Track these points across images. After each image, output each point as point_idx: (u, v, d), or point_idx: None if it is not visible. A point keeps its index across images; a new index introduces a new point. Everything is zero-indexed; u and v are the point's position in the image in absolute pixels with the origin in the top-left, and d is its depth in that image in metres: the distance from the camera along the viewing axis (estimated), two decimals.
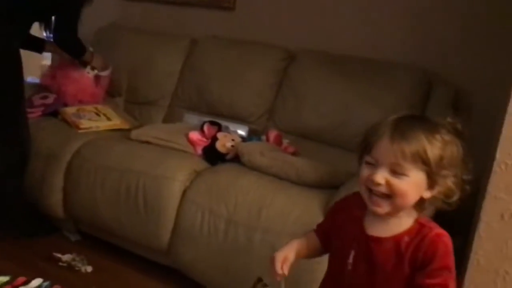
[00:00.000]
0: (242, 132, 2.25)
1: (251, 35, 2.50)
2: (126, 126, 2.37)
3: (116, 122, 2.40)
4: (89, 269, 1.99)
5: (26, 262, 1.95)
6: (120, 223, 2.00)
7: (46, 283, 1.52)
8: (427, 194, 0.94)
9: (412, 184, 0.91)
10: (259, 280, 1.07)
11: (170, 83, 2.55)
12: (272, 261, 1.05)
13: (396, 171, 0.91)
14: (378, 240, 0.97)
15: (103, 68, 2.49)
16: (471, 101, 2.14)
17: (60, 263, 1.99)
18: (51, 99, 2.43)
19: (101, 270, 1.99)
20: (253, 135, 2.24)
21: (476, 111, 2.12)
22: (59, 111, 2.37)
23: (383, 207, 0.94)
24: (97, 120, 2.36)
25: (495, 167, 1.25)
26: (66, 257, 2.02)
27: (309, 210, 1.72)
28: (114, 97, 2.62)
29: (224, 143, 2.08)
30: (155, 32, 2.71)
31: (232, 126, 2.25)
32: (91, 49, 2.49)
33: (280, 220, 1.71)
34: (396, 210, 0.94)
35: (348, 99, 2.14)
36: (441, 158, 0.90)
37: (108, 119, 2.40)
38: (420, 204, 0.95)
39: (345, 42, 2.34)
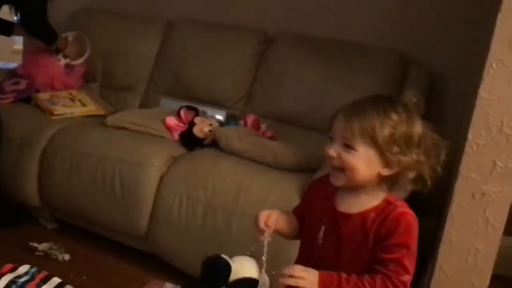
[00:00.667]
0: (219, 116, 2.23)
1: (228, 18, 2.47)
2: (101, 112, 2.33)
3: (91, 108, 2.35)
4: (67, 257, 1.97)
5: (2, 252, 1.92)
6: (97, 210, 1.98)
7: (33, 269, 1.51)
8: (385, 172, 0.96)
9: (362, 159, 0.94)
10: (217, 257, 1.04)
11: (146, 68, 2.51)
12: (255, 220, 1.05)
13: (347, 146, 0.95)
14: (346, 216, 1.00)
15: (76, 57, 2.42)
16: (447, 84, 2.17)
17: (37, 252, 1.97)
18: (23, 84, 2.37)
19: (79, 258, 1.98)
20: (230, 119, 2.23)
21: (451, 94, 2.15)
22: (32, 97, 2.32)
23: (339, 180, 0.98)
24: (72, 106, 2.32)
25: (467, 148, 1.28)
26: (43, 246, 1.99)
27: (287, 193, 1.74)
28: (89, 82, 2.56)
29: (201, 128, 2.07)
30: (130, 16, 2.65)
31: (209, 111, 2.23)
32: (70, 37, 2.41)
33: (258, 204, 1.71)
34: (351, 183, 0.97)
35: (325, 82, 2.14)
36: (391, 136, 0.92)
37: (83, 105, 2.35)
38: (386, 182, 0.97)
39: (323, 25, 2.33)
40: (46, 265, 1.89)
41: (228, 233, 1.73)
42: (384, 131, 0.92)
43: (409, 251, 0.95)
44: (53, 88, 2.35)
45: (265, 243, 1.02)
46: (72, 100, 2.35)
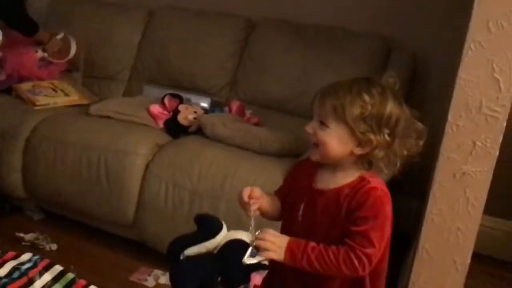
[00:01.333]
0: (204, 104, 2.23)
1: (209, 4, 2.45)
2: (85, 102, 2.31)
3: (75, 97, 2.33)
4: (54, 247, 1.97)
5: None
6: (83, 199, 1.97)
7: (36, 257, 1.52)
8: (357, 151, 0.99)
9: (333, 136, 0.98)
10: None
11: (128, 56, 2.48)
12: (239, 196, 1.06)
13: (322, 123, 0.99)
14: (322, 192, 1.03)
15: (56, 54, 2.36)
16: (429, 67, 2.19)
17: (24, 243, 1.97)
18: (3, 75, 2.33)
19: (66, 247, 1.98)
20: (215, 106, 2.23)
21: (434, 77, 2.18)
22: (13, 87, 2.28)
23: (314, 155, 1.02)
24: (54, 96, 2.29)
25: (447, 129, 1.30)
26: (29, 236, 1.99)
27: (273, 178, 1.75)
28: (72, 72, 2.53)
29: (186, 116, 2.07)
30: (111, 4, 2.61)
31: (194, 98, 2.23)
32: (61, 34, 2.36)
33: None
34: (325, 159, 1.01)
35: (309, 68, 2.14)
36: (360, 115, 0.95)
37: (66, 94, 2.33)
38: (362, 162, 1.00)
39: (305, 11, 2.32)
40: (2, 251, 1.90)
41: None
42: (353, 110, 0.95)
43: (376, 224, 0.96)
44: (19, 75, 2.28)
45: (252, 216, 1.03)
46: (54, 90, 2.32)
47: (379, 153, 0.98)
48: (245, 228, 1.10)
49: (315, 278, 1.02)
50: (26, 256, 1.52)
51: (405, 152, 1.00)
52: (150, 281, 1.83)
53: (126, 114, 2.10)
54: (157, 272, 1.88)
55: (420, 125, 1.02)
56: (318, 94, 1.02)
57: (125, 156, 1.90)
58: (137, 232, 1.94)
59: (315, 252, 0.97)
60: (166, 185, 1.84)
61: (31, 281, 1.42)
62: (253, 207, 1.04)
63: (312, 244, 0.99)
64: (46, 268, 1.49)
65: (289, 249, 0.98)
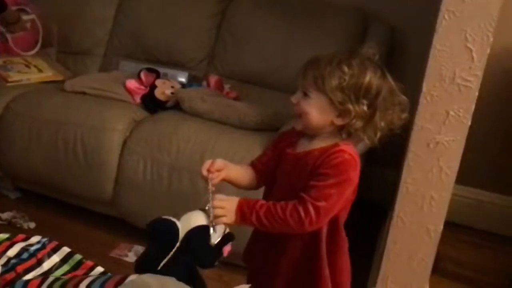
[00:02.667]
0: (181, 78, 2.20)
1: None
2: (59, 78, 2.26)
3: (49, 73, 2.28)
4: (32, 225, 1.95)
5: None
6: (61, 177, 1.95)
7: (44, 239, 1.51)
8: (338, 121, 1.02)
9: (314, 106, 1.01)
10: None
11: (104, 30, 2.42)
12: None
13: (305, 94, 1.03)
14: (295, 155, 1.07)
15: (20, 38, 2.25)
16: (407, 38, 2.20)
17: (0, 222, 1.94)
18: None
19: (44, 226, 1.96)
20: (193, 81, 2.21)
21: (412, 48, 2.19)
22: None
23: (298, 125, 1.07)
24: (28, 72, 2.24)
25: (422, 99, 1.31)
26: (6, 215, 1.97)
27: (251, 152, 1.74)
28: (45, 47, 2.46)
29: (163, 91, 2.04)
30: None
31: (171, 73, 2.20)
32: (30, 16, 2.27)
33: None
34: (307, 128, 1.05)
35: (287, 41, 2.13)
36: (338, 85, 0.98)
37: (40, 70, 2.27)
38: (342, 132, 1.03)
39: None
40: (11, 233, 1.88)
41: (195, 193, 1.75)
42: (332, 81, 0.99)
43: (334, 183, 0.99)
44: None
45: (210, 189, 1.04)
46: (27, 66, 2.26)
47: (358, 124, 1.00)
48: None
49: (279, 238, 1.06)
50: (35, 239, 1.52)
51: (386, 125, 1.02)
52: (131, 257, 1.83)
53: (102, 89, 2.06)
54: (137, 247, 1.88)
55: (403, 98, 1.04)
56: (303, 66, 1.04)
57: (102, 132, 1.88)
58: (116, 209, 1.93)
59: (263, 208, 1.00)
60: (144, 161, 1.83)
61: (40, 262, 1.42)
62: (212, 182, 1.04)
63: (262, 201, 1.02)
64: (55, 250, 1.50)
65: (239, 209, 1.01)
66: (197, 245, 1.01)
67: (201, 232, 1.00)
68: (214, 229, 1.02)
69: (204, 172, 1.06)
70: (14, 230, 1.90)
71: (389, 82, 1.03)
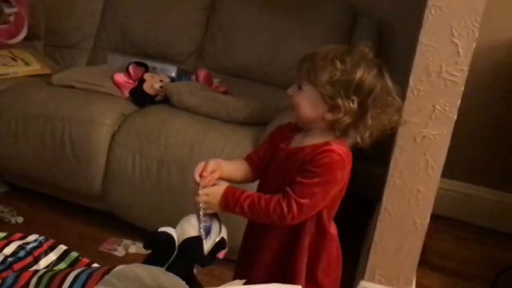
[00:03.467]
0: (170, 72, 2.19)
1: None
2: (47, 71, 2.25)
3: (36, 67, 2.26)
4: (20, 220, 1.94)
5: None
6: (49, 171, 1.94)
7: (41, 238, 1.51)
8: (328, 116, 1.02)
9: (305, 98, 1.03)
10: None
11: (91, 23, 2.40)
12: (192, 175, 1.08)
13: (299, 86, 1.04)
14: (288, 150, 1.08)
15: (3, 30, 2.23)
16: (395, 33, 2.21)
17: None
18: None
19: (33, 220, 1.95)
20: (182, 75, 2.20)
21: (399, 43, 2.20)
22: None
23: (292, 117, 1.09)
24: (14, 66, 2.21)
25: (408, 94, 1.32)
26: None
27: (240, 146, 1.76)
28: (32, 40, 2.44)
29: (152, 84, 2.03)
30: None
31: (159, 67, 2.19)
32: (13, 9, 2.24)
33: (212, 157, 1.65)
34: (299, 121, 1.07)
35: (275, 35, 2.13)
36: (329, 80, 0.99)
37: (27, 64, 2.25)
38: (334, 128, 1.03)
39: None
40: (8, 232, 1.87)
41: (183, 187, 1.74)
42: (323, 75, 0.99)
43: (320, 182, 1.00)
44: None
45: (200, 195, 1.04)
46: (13, 59, 2.24)
47: (346, 119, 1.00)
48: None
49: (263, 229, 1.09)
50: (32, 237, 1.51)
51: (380, 125, 1.03)
52: (120, 251, 1.83)
53: (90, 83, 2.05)
54: (127, 241, 1.88)
55: (398, 101, 1.05)
56: (300, 59, 1.05)
57: (90, 126, 1.87)
58: (105, 203, 1.92)
59: (247, 200, 1.02)
60: (133, 155, 1.82)
61: (37, 260, 1.41)
62: (202, 183, 1.05)
63: (248, 193, 1.04)
64: (51, 248, 1.49)
65: (224, 199, 1.03)
66: (190, 256, 1.02)
67: (194, 243, 1.02)
68: (206, 237, 1.03)
69: (197, 178, 1.06)
70: (2, 225, 1.90)
71: (386, 82, 1.03)
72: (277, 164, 1.10)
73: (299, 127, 1.10)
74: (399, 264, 1.49)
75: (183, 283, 0.97)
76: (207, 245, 1.03)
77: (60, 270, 1.26)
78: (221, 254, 1.06)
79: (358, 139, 1.03)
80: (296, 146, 1.08)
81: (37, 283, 1.17)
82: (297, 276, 1.09)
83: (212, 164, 1.08)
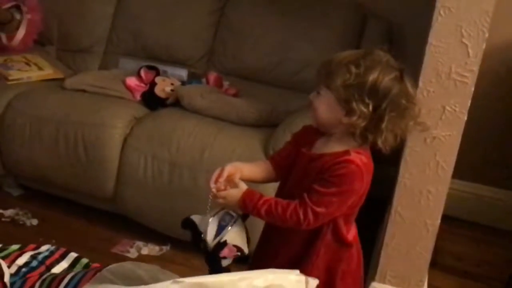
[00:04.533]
0: (181, 75, 2.21)
1: None
2: (60, 76, 2.28)
3: (49, 71, 2.29)
4: (35, 222, 1.97)
5: None
6: (62, 174, 1.97)
7: (53, 247, 1.55)
8: (345, 120, 1.02)
9: (322, 102, 1.05)
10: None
11: (103, 28, 2.43)
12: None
13: (318, 92, 1.06)
14: (309, 155, 1.09)
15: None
16: (405, 35, 2.21)
17: (4, 219, 1.97)
18: None
19: (47, 222, 1.98)
20: (192, 78, 2.22)
21: (410, 45, 2.19)
22: None
23: (312, 121, 1.11)
24: (28, 71, 2.25)
25: (418, 94, 1.31)
26: (9, 212, 1.99)
27: (250, 148, 1.77)
28: (45, 45, 2.48)
29: (163, 88, 2.05)
30: None
31: (170, 70, 2.21)
32: (27, 16, 2.27)
33: (223, 159, 1.73)
34: (318, 124, 1.09)
35: (285, 38, 2.14)
36: (343, 83, 0.99)
37: (40, 68, 2.28)
38: (356, 134, 1.02)
39: None
40: (14, 231, 1.91)
41: (195, 190, 1.76)
42: (338, 78, 1.01)
43: (337, 192, 1.01)
44: None
45: (209, 201, 1.08)
46: (27, 64, 2.28)
47: (361, 123, 1.00)
48: None
49: (282, 230, 1.10)
50: (44, 247, 1.55)
51: (397, 130, 1.02)
52: (133, 253, 1.85)
53: (102, 87, 2.08)
54: (139, 243, 1.90)
55: (417, 107, 1.04)
56: (320, 64, 1.07)
57: (103, 129, 1.89)
58: (117, 205, 1.95)
59: (265, 206, 1.04)
60: (145, 158, 1.84)
61: (49, 269, 1.45)
62: (214, 189, 1.09)
63: (265, 197, 1.05)
64: (63, 256, 1.52)
65: (242, 203, 1.06)
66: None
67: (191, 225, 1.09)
68: (217, 235, 1.07)
69: (212, 185, 1.09)
70: (17, 227, 1.93)
71: (405, 86, 1.02)
72: (298, 168, 1.11)
73: (320, 132, 1.11)
74: (410, 265, 1.48)
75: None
76: (211, 242, 1.08)
77: (61, 273, 1.30)
78: (224, 253, 1.08)
79: (380, 145, 1.02)
80: (317, 152, 1.08)
81: (41, 285, 1.21)
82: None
83: (228, 168, 1.10)
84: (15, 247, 1.55)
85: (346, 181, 1.01)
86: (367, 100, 0.99)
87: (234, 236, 1.08)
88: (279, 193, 1.15)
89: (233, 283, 0.84)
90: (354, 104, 0.99)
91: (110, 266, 1.11)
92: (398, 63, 1.03)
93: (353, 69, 0.99)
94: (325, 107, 1.04)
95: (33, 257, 1.48)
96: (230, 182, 1.09)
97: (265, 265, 1.12)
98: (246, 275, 0.86)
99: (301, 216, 1.01)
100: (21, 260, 1.45)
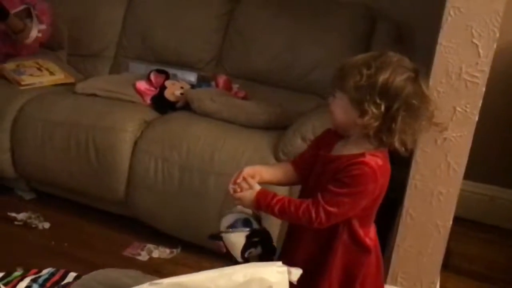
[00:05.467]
0: (191, 79, 2.22)
1: None
2: (71, 80, 2.30)
3: (60, 76, 2.31)
4: (47, 225, 1.99)
5: None
6: (74, 178, 1.99)
7: (53, 269, 1.58)
8: (359, 121, 1.03)
9: (338, 105, 1.06)
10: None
11: (113, 32, 2.46)
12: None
13: (333, 95, 1.08)
14: (327, 157, 1.11)
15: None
16: (414, 36, 2.20)
17: (16, 222, 1.98)
18: None
19: (59, 226, 2.00)
20: (202, 81, 2.22)
21: (418, 46, 2.18)
22: None
23: (331, 124, 1.13)
24: (40, 76, 2.27)
25: (429, 95, 1.31)
26: (22, 216, 2.01)
27: (260, 150, 1.77)
28: (56, 50, 2.51)
29: (173, 91, 2.07)
30: None
31: (180, 74, 2.22)
32: (41, 26, 2.31)
33: (232, 162, 1.75)
34: (335, 127, 1.11)
35: (294, 40, 2.14)
36: (355, 85, 1.01)
37: (51, 73, 2.31)
38: (371, 136, 1.03)
39: None
40: (26, 234, 1.93)
41: (205, 192, 1.77)
42: (350, 81, 1.02)
43: (350, 193, 1.02)
44: None
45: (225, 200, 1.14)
46: (39, 69, 2.30)
47: (374, 123, 1.00)
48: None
49: (297, 230, 1.14)
50: (45, 271, 1.58)
51: (411, 131, 1.02)
52: (143, 255, 1.86)
53: (112, 91, 2.09)
54: (150, 246, 1.91)
55: (431, 107, 1.05)
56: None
57: (113, 133, 1.91)
58: (128, 208, 1.96)
59: (278, 205, 1.06)
60: (156, 161, 1.85)
61: None
62: (236, 197, 1.13)
63: (279, 196, 1.08)
64: (63, 277, 1.54)
65: (256, 202, 1.10)
66: None
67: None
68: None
69: (230, 186, 1.14)
70: (30, 231, 1.95)
71: (419, 87, 1.02)
72: (316, 170, 1.13)
73: (340, 135, 1.12)
74: (421, 267, 1.48)
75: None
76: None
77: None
78: (216, 245, 1.17)
79: (397, 146, 1.02)
80: (335, 154, 1.10)
81: None
82: (326, 283, 1.11)
83: (247, 170, 1.14)
84: (17, 273, 1.57)
85: (358, 183, 1.02)
86: (378, 101, 1.00)
87: (229, 242, 1.14)
88: (301, 196, 1.18)
89: (212, 280, 0.84)
90: (366, 105, 1.00)
91: (95, 273, 1.11)
92: (412, 64, 1.04)
93: (364, 71, 1.00)
94: (340, 109, 1.06)
95: (34, 280, 1.50)
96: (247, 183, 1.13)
97: (287, 260, 1.14)
98: (225, 271, 0.87)
99: (313, 215, 1.03)
100: (22, 285, 1.47)
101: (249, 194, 1.10)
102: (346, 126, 1.07)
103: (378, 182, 1.03)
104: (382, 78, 0.99)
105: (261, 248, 1.17)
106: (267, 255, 1.17)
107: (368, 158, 1.02)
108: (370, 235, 1.12)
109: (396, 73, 1.00)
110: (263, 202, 1.08)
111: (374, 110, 1.00)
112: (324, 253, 1.10)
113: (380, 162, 1.03)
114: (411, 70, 1.02)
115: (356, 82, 1.01)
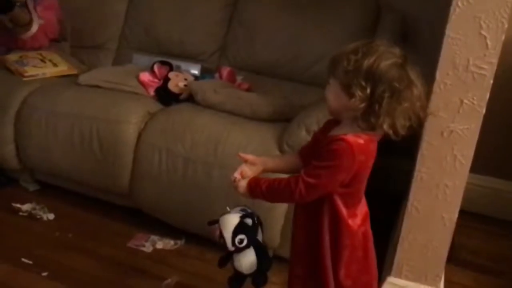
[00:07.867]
0: (194, 70, 2.21)
1: None
2: (74, 72, 2.29)
3: (63, 67, 2.31)
4: (51, 216, 1.99)
5: None
6: (78, 169, 1.99)
7: None
8: (348, 104, 1.07)
9: (331, 91, 1.11)
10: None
11: (116, 24, 2.44)
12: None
13: (328, 82, 1.12)
14: (320, 139, 1.17)
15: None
16: (419, 26, 2.18)
17: (21, 213, 1.99)
18: None
19: (63, 217, 2.01)
20: (206, 73, 2.22)
21: (424, 37, 2.16)
22: (0, 59, 2.25)
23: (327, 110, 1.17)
24: (43, 67, 2.27)
25: (435, 88, 1.30)
26: (26, 207, 2.02)
27: (264, 143, 1.76)
28: (59, 42, 2.50)
29: (176, 83, 2.06)
30: None
31: (183, 65, 2.21)
32: (40, 21, 2.29)
33: (236, 154, 1.73)
34: (330, 113, 1.15)
35: (298, 32, 2.12)
36: (343, 70, 1.05)
37: (55, 65, 2.30)
38: (359, 119, 1.06)
39: None
40: (31, 225, 1.94)
41: (209, 184, 1.77)
42: (339, 67, 1.07)
43: (328, 166, 1.08)
44: None
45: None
46: (42, 60, 2.30)
47: (361, 105, 1.05)
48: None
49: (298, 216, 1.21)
50: None
51: (402, 115, 1.04)
52: (148, 247, 1.87)
53: (116, 83, 2.09)
54: (154, 237, 1.91)
55: (418, 90, 1.06)
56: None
57: (117, 125, 1.90)
58: (132, 200, 1.96)
59: (266, 183, 1.15)
60: (159, 153, 1.85)
61: None
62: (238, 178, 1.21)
63: (267, 178, 1.17)
64: None
65: (249, 187, 1.17)
66: None
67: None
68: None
69: (232, 177, 1.21)
70: (34, 221, 1.96)
71: (405, 71, 1.05)
72: (314, 152, 1.17)
73: (337, 122, 1.16)
74: (426, 260, 1.47)
75: None
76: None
77: None
78: (212, 229, 1.28)
79: (387, 130, 1.05)
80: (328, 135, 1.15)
81: None
82: (325, 270, 1.15)
83: (249, 156, 1.24)
84: None
85: (335, 156, 1.07)
86: (364, 84, 1.04)
87: (223, 222, 1.27)
88: None
89: None
90: (353, 89, 1.05)
91: None
92: (400, 51, 1.07)
93: (352, 57, 1.05)
94: (333, 95, 1.10)
95: None
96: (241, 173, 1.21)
97: (293, 240, 1.25)
98: None
99: (293, 185, 1.09)
100: None
101: (243, 182, 1.18)
102: (339, 111, 1.12)
103: (355, 159, 1.07)
104: (367, 62, 1.03)
105: (255, 256, 1.28)
106: (261, 265, 1.28)
107: (348, 136, 1.07)
108: (356, 219, 1.15)
109: (381, 58, 1.04)
110: (254, 185, 1.16)
111: (360, 93, 1.04)
112: (316, 231, 1.15)
113: (361, 141, 1.07)
114: (398, 57, 1.05)
115: (344, 67, 1.05)
